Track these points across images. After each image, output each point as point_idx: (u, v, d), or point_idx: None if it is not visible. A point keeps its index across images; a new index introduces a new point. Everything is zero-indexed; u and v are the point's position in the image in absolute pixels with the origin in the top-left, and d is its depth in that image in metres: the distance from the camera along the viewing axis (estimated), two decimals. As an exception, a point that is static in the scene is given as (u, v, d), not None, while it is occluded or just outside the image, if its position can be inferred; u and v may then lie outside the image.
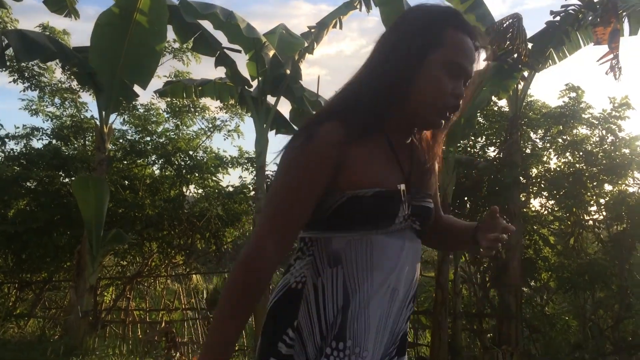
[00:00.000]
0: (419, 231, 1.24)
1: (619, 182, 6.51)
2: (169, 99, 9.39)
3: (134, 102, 8.93)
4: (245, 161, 9.64)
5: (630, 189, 6.51)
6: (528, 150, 7.24)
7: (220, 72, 7.16)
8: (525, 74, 6.35)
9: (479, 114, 7.04)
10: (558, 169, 6.99)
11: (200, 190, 9.55)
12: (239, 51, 6.59)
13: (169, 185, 9.24)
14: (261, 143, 6.56)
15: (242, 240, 10.18)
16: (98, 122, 6.65)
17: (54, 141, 9.22)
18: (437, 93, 1.17)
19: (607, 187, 6.67)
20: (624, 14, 5.45)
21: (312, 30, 6.80)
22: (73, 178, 8.01)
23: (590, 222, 6.71)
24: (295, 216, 1.11)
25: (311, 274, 1.16)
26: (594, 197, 6.67)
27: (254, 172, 7.70)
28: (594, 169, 6.58)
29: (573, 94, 6.92)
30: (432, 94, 1.17)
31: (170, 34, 6.56)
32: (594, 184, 6.59)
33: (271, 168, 6.39)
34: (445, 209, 5.38)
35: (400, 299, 1.20)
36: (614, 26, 4.73)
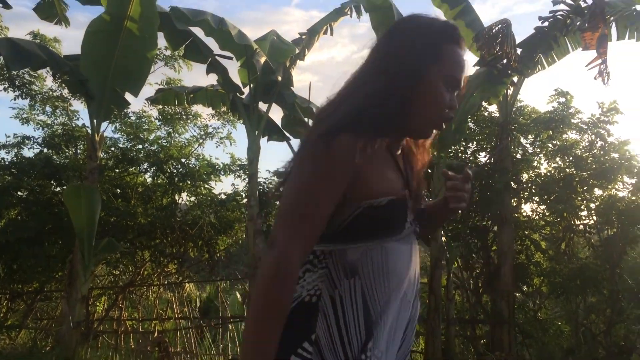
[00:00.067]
0: (418, 233, 1.29)
1: (609, 186, 6.53)
2: (160, 107, 9.37)
3: (125, 110, 8.92)
4: (238, 168, 9.59)
5: (620, 194, 6.53)
6: (518, 156, 7.28)
7: (212, 79, 7.19)
8: (515, 79, 6.40)
9: (469, 120, 7.07)
10: (548, 173, 7.01)
11: (192, 198, 9.53)
12: (231, 58, 6.61)
13: (161, 193, 9.22)
14: (253, 150, 6.57)
15: (234, 248, 10.14)
16: (89, 131, 6.60)
17: (45, 150, 9.15)
18: (437, 107, 1.21)
19: (597, 192, 6.70)
20: (612, 19, 5.50)
21: (303, 36, 6.82)
22: (64, 187, 7.97)
23: (581, 227, 6.72)
24: (318, 224, 1.11)
25: (326, 286, 1.16)
26: (585, 202, 6.69)
27: (247, 179, 7.70)
28: (584, 173, 6.61)
29: (562, 99, 6.96)
30: (433, 108, 1.21)
31: (162, 41, 6.58)
32: (584, 188, 6.62)
33: (263, 175, 6.38)
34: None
35: (408, 301, 1.23)
36: (602, 31, 4.77)
